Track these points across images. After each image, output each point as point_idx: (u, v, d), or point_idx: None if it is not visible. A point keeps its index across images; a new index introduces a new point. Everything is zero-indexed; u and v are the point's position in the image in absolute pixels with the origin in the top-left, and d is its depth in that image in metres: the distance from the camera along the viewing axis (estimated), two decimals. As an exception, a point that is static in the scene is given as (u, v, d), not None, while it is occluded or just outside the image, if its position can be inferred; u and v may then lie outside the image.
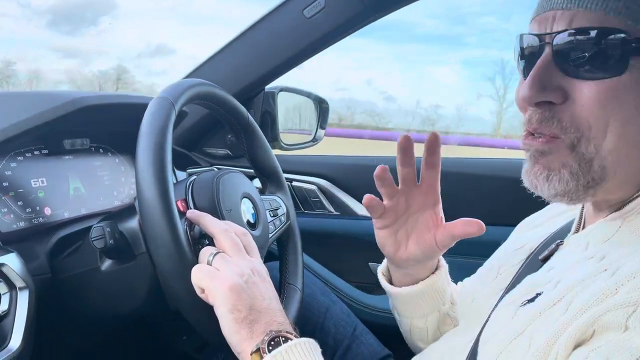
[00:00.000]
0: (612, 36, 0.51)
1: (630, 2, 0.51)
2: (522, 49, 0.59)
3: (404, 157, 0.75)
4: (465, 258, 1.24)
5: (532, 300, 0.54)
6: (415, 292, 0.83)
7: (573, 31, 0.53)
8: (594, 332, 0.45)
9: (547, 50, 0.55)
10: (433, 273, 0.84)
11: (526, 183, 0.59)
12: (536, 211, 0.84)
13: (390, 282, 0.87)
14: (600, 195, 0.56)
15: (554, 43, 0.54)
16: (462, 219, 0.76)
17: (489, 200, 1.34)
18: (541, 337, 0.48)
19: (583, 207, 0.65)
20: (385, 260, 0.88)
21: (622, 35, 0.51)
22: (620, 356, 0.42)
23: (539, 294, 0.54)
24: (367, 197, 0.77)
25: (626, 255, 0.49)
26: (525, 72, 0.58)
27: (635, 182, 0.55)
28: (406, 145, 0.74)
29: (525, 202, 0.95)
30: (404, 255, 0.80)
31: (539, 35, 0.56)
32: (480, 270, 0.80)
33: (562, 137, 0.54)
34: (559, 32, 0.54)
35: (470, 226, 0.75)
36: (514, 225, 0.87)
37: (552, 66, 0.54)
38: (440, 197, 0.79)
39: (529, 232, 0.78)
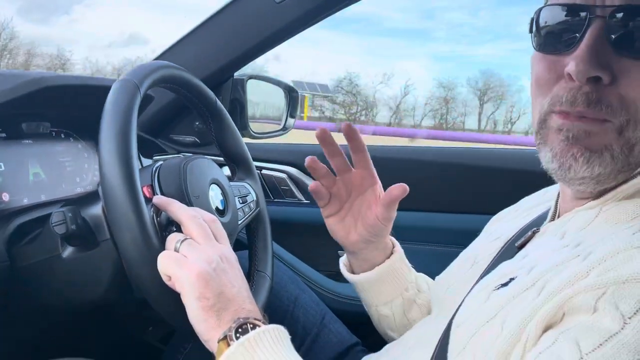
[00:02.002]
0: None
1: None
2: (554, 19, 0.55)
3: (327, 148, 0.79)
4: (445, 247, 1.25)
5: (505, 284, 0.54)
6: (374, 277, 0.86)
7: (634, 7, 0.49)
8: (564, 315, 0.45)
9: (599, 23, 0.51)
10: (388, 258, 0.87)
11: (553, 164, 0.55)
12: (514, 198, 0.86)
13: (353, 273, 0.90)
14: (618, 181, 0.54)
15: (610, 17, 0.50)
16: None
17: (467, 188, 1.36)
18: (513, 321, 0.49)
19: (558, 196, 0.66)
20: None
21: None
22: (589, 338, 0.42)
23: (513, 279, 0.54)
24: (313, 183, 0.82)
25: (599, 241, 0.49)
26: (548, 46, 0.55)
27: None
28: (323, 137, 0.78)
29: (503, 191, 0.96)
30: (354, 238, 0.83)
31: (588, 7, 0.52)
32: (456, 260, 0.82)
33: (612, 120, 0.51)
34: (616, 7, 0.50)
35: (395, 190, 0.78)
36: (492, 214, 0.88)
37: (603, 42, 0.51)
38: (377, 177, 0.82)
39: (505, 224, 0.79)
